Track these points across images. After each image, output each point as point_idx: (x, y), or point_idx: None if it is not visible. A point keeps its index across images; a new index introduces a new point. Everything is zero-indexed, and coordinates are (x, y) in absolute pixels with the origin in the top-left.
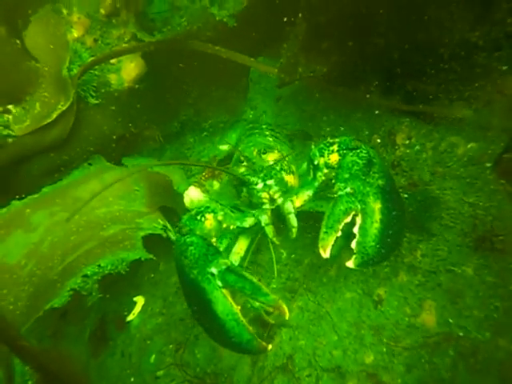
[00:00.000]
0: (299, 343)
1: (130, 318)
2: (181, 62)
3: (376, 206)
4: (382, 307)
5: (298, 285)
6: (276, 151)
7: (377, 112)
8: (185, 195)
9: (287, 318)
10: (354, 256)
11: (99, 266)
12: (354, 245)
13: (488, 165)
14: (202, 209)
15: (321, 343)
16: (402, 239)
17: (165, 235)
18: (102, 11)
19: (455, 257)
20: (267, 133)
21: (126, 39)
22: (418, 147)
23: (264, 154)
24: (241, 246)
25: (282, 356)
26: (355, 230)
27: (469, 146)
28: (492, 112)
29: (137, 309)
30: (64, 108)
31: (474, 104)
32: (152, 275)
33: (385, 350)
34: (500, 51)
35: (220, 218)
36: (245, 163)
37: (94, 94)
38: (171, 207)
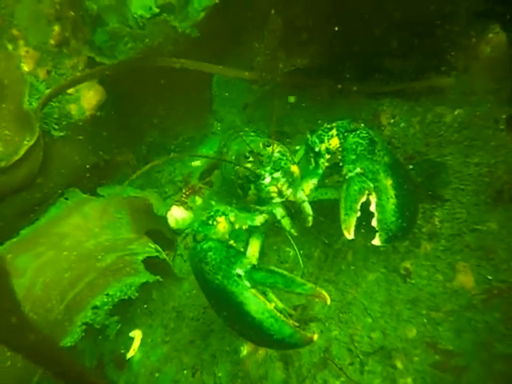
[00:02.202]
0: (332, 334)
1: (129, 354)
2: (141, 82)
3: (388, 182)
4: (411, 280)
5: (316, 278)
6: (276, 143)
7: (355, 98)
8: (168, 216)
9: (329, 303)
10: (378, 234)
11: (108, 294)
12: (375, 223)
13: (482, 125)
14: (212, 213)
15: (356, 329)
16: (418, 210)
17: (162, 257)
18: (52, 41)
19: (476, 216)
20: (252, 134)
21: (79, 68)
22: (403, 124)
23: (268, 146)
24: (254, 247)
25: (317, 351)
26: (372, 208)
27: (456, 112)
28: (471, 77)
29: (135, 344)
30: (31, 143)
31: (454, 72)
32: (145, 306)
33: (426, 320)
34: (470, 19)
35: (232, 218)
36: (251, 158)
37: (56, 127)
38: (157, 230)
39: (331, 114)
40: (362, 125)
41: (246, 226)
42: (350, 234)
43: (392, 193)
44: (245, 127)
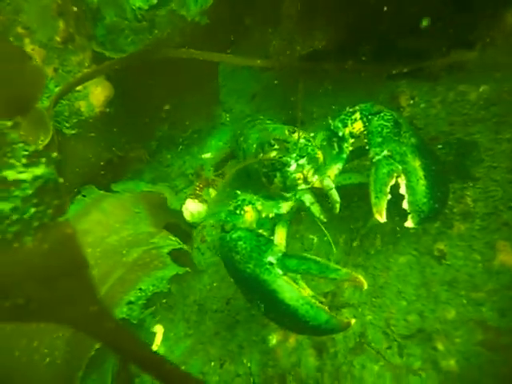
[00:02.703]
0: (367, 319)
1: (153, 350)
2: (148, 75)
3: (416, 163)
4: (446, 261)
5: (344, 264)
6: (299, 130)
7: (372, 81)
8: (184, 210)
9: (366, 287)
10: (410, 216)
11: (140, 289)
12: (406, 205)
13: (511, 101)
14: (239, 202)
15: (391, 312)
16: (449, 190)
17: (185, 249)
18: (58, 38)
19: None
20: (268, 121)
21: (86, 64)
22: (423, 105)
23: (294, 132)
24: (280, 235)
25: (352, 336)
26: (402, 190)
27: (480, 89)
28: (497, 50)
29: (158, 339)
30: (45, 142)
31: (477, 46)
32: (164, 300)
33: (465, 301)
34: None
35: (259, 207)
36: (276, 146)
37: (67, 125)
38: (173, 223)
39: (347, 99)
40: (385, 108)
41: (273, 214)
42: (382, 217)
43: (421, 174)
44: (259, 116)
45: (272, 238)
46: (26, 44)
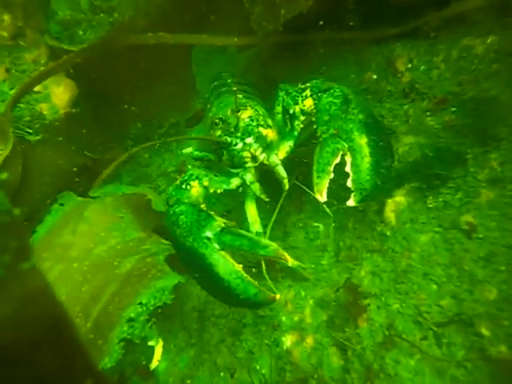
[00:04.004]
0: (393, 308)
1: (153, 365)
2: (114, 68)
3: (362, 140)
4: (478, 234)
5: (356, 250)
6: (249, 107)
7: (362, 48)
8: None
9: (290, 264)
10: (352, 194)
11: (141, 304)
12: (350, 183)
13: None
14: (186, 177)
15: (420, 298)
16: (393, 167)
17: None
18: (5, 34)
19: None
20: (235, 88)
21: (42, 61)
22: (423, 67)
23: (238, 111)
24: (251, 213)
25: (378, 329)
26: (347, 168)
27: (488, 41)
28: None
29: (158, 353)
30: (6, 152)
31: None
32: (159, 310)
33: (507, 277)
34: None
35: (206, 183)
36: (220, 125)
37: (30, 131)
38: (162, 225)
39: (336, 71)
40: (335, 84)
41: (221, 190)
42: (322, 197)
43: (367, 151)
44: (228, 79)
45: (212, 213)
46: None
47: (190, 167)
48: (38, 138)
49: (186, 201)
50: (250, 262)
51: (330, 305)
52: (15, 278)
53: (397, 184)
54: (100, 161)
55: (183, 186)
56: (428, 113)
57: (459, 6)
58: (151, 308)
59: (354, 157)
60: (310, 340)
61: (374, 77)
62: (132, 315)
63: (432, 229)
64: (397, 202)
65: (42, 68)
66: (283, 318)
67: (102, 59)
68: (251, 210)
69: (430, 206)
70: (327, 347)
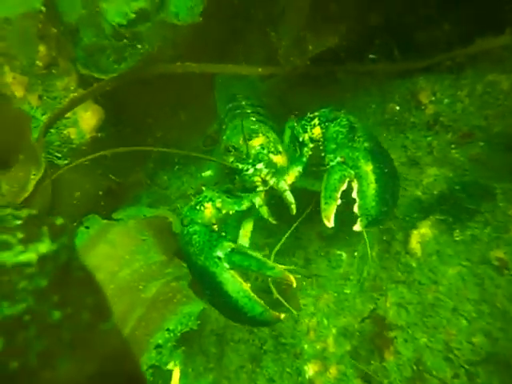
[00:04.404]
0: (421, 342)
1: None
2: (139, 93)
3: (368, 167)
4: (510, 270)
5: (380, 280)
6: (261, 134)
7: (385, 80)
8: None
9: (295, 286)
10: (359, 219)
11: (168, 330)
12: (356, 209)
13: None
14: (201, 199)
15: (450, 334)
16: (398, 193)
17: None
18: (39, 63)
19: None
20: (249, 111)
21: (71, 88)
22: (447, 100)
23: (250, 140)
24: (246, 228)
25: (406, 363)
26: (354, 194)
27: None
28: None
29: (175, 376)
30: (38, 176)
31: (508, 29)
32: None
33: None
34: None
35: (218, 205)
36: (233, 152)
37: (59, 155)
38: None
39: (352, 103)
40: (343, 113)
41: (233, 211)
42: (329, 222)
43: (372, 178)
44: (242, 101)
45: (223, 234)
46: (6, 72)
47: (204, 189)
48: (66, 162)
49: (200, 221)
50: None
51: (354, 335)
52: (96, 337)
53: (421, 215)
54: (124, 184)
55: (197, 207)
56: (453, 145)
57: (484, 43)
58: (178, 334)
59: (360, 183)
60: (333, 370)
61: (397, 108)
62: (160, 341)
63: (460, 262)
64: (422, 234)
65: (72, 94)
66: (305, 346)
67: (129, 85)
68: (247, 226)
69: (457, 239)
70: (352, 379)
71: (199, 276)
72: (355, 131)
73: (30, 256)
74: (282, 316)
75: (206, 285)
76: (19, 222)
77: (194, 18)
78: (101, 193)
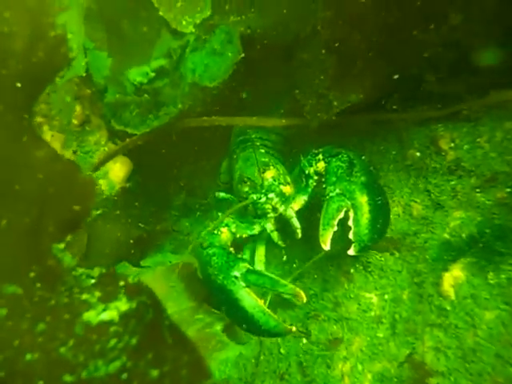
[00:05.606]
0: None
1: None
2: (163, 144)
3: (363, 199)
4: None
5: (414, 323)
6: (272, 167)
7: (403, 127)
8: None
9: (305, 301)
10: (353, 245)
11: None
12: (351, 235)
13: None
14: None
15: (498, 382)
16: (388, 222)
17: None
18: (75, 122)
19: None
20: (258, 143)
21: (102, 142)
22: (466, 146)
23: (263, 173)
24: (260, 253)
25: None
26: (350, 223)
27: None
28: None
29: None
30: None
31: None
32: None
33: None
34: None
35: (233, 229)
36: (248, 183)
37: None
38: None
39: (375, 146)
40: (344, 149)
41: (246, 235)
42: (326, 245)
43: (366, 209)
44: (252, 134)
45: (240, 255)
46: (45, 131)
47: (220, 214)
48: (98, 212)
49: (217, 244)
50: None
51: (391, 381)
52: None
53: (452, 258)
54: (152, 232)
55: (215, 232)
56: (478, 189)
57: (499, 95)
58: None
59: (355, 213)
60: None
61: (417, 154)
62: None
63: (498, 306)
64: (455, 277)
65: (103, 148)
66: None
67: (155, 138)
68: (260, 251)
69: (492, 282)
70: None
71: (217, 293)
72: (354, 166)
73: (111, 314)
74: (294, 329)
75: (224, 302)
76: (93, 281)
77: (211, 74)
78: (132, 241)
